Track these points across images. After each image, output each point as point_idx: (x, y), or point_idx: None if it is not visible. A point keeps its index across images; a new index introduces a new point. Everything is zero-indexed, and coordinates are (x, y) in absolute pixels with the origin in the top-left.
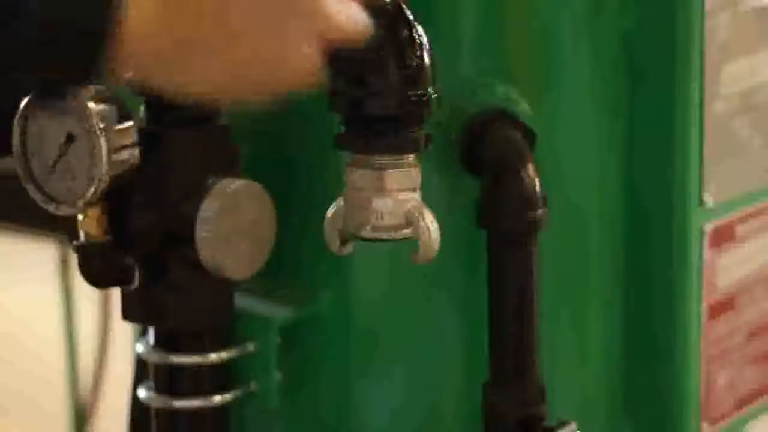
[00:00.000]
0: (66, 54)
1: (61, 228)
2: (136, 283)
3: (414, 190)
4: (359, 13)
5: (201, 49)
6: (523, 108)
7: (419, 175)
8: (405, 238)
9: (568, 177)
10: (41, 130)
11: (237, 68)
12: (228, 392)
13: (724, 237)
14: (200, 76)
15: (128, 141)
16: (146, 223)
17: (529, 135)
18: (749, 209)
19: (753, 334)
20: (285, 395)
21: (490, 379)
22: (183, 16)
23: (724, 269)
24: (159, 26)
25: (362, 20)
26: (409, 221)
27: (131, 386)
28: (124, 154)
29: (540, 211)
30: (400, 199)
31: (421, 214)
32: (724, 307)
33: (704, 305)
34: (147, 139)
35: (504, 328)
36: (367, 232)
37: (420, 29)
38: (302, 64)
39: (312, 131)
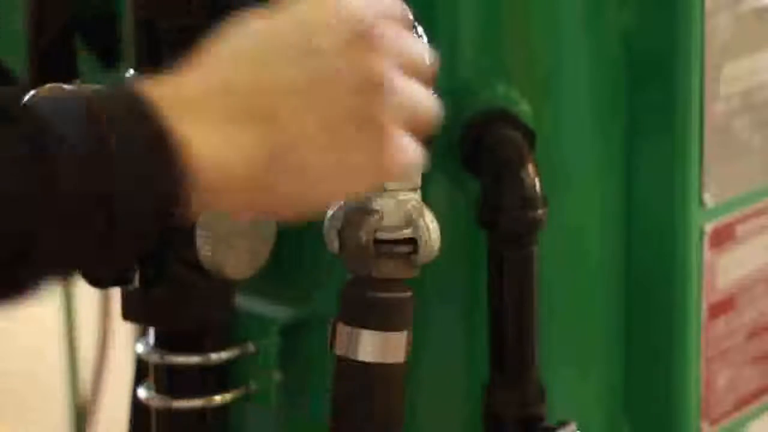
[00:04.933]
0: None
1: None
2: (136, 283)
3: (414, 190)
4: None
5: (288, 196)
6: (523, 108)
7: (419, 175)
8: (405, 238)
9: (568, 177)
10: None
11: (326, 198)
12: (228, 392)
13: (724, 237)
14: (289, 210)
15: None
16: None
17: (529, 135)
18: (749, 209)
19: (753, 334)
20: (285, 395)
21: (490, 380)
22: (266, 177)
23: (724, 269)
24: (242, 184)
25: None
26: (409, 221)
27: (131, 386)
28: None
29: (540, 211)
30: (400, 199)
31: (421, 214)
32: (724, 307)
33: (704, 305)
34: None
35: (504, 328)
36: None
37: (420, 29)
38: (401, 160)
39: None
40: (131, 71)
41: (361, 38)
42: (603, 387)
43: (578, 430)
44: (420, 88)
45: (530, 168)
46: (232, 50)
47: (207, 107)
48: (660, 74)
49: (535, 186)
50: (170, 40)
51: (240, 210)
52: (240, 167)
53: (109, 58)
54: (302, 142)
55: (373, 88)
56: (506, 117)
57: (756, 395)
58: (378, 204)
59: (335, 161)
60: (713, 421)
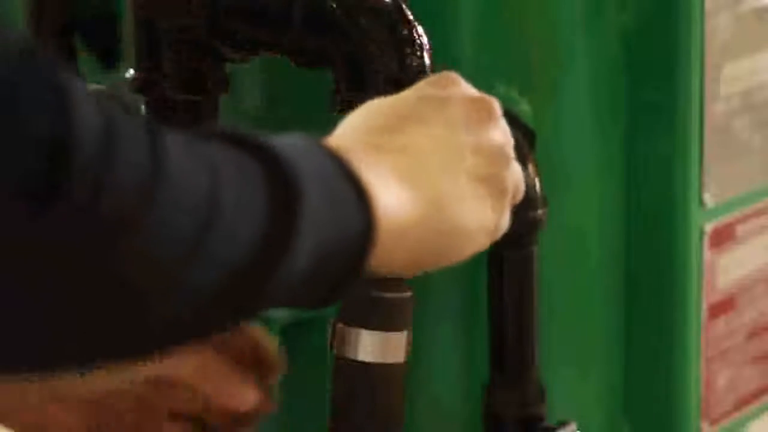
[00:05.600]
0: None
1: None
2: None
3: None
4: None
5: (439, 252)
6: (523, 108)
7: None
8: None
9: (568, 177)
10: None
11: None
12: None
13: (724, 237)
14: (432, 266)
15: None
16: None
17: (529, 135)
18: (749, 209)
19: (753, 334)
20: (285, 395)
21: (490, 380)
22: (427, 235)
23: (724, 269)
24: (409, 242)
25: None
26: None
27: None
28: None
29: (540, 211)
30: None
31: None
32: (724, 307)
33: (704, 305)
34: None
35: (504, 328)
36: None
37: (420, 29)
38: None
39: (312, 132)
40: (131, 71)
41: (484, 110)
42: (603, 387)
43: (578, 430)
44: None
45: (530, 168)
46: (365, 120)
47: (371, 166)
48: (660, 74)
49: (535, 186)
50: (170, 40)
51: (398, 272)
52: (409, 224)
53: (109, 59)
54: (451, 201)
55: (502, 156)
56: (506, 117)
57: (756, 395)
58: None
59: (477, 219)
60: (713, 421)
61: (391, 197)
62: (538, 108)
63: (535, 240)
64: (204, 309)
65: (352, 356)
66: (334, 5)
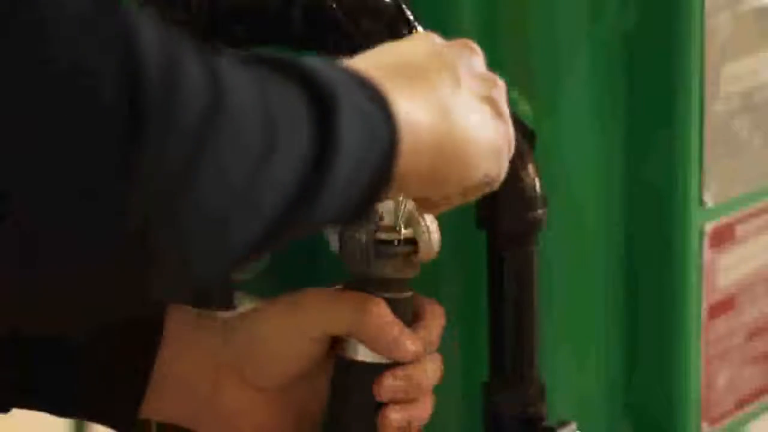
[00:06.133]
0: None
1: None
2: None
3: None
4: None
5: (459, 167)
6: (523, 108)
7: None
8: (405, 239)
9: (568, 177)
10: None
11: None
12: None
13: (724, 237)
14: (457, 186)
15: None
16: None
17: (529, 135)
18: (749, 209)
19: (753, 334)
20: None
21: (490, 379)
22: (444, 145)
23: (724, 269)
24: (427, 151)
25: None
26: (409, 221)
27: None
28: None
29: (540, 211)
30: (400, 200)
31: (421, 214)
32: (724, 307)
33: (704, 305)
34: None
35: (504, 327)
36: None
37: (420, 29)
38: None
39: None
40: None
41: (467, 47)
42: (603, 387)
43: (578, 429)
44: None
45: (530, 168)
46: (363, 59)
47: (383, 81)
48: (660, 74)
49: (535, 186)
50: None
51: (419, 186)
52: (425, 131)
53: None
54: (459, 111)
55: (494, 83)
56: None
57: (756, 395)
58: (378, 204)
59: (484, 135)
60: (713, 421)
61: (406, 107)
62: (538, 108)
63: (535, 240)
64: (272, 227)
65: (352, 356)
66: (334, 5)
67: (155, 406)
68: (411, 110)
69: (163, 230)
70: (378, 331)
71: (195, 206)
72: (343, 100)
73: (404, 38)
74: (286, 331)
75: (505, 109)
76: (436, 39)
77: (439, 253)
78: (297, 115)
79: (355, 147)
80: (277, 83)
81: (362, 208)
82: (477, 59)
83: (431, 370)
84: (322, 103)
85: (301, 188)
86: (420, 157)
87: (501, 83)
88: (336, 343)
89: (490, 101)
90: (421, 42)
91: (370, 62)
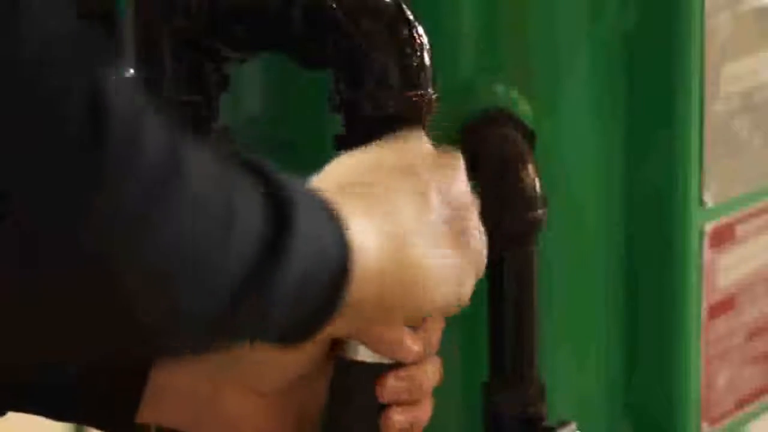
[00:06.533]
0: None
1: None
2: None
3: None
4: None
5: (409, 294)
6: (523, 108)
7: None
8: None
9: (568, 177)
10: None
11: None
12: None
13: (724, 237)
14: (409, 311)
15: None
16: None
17: (529, 135)
18: (749, 209)
19: (753, 334)
20: None
21: (490, 379)
22: (392, 270)
23: (724, 269)
24: (373, 275)
25: None
26: None
27: None
28: None
29: (540, 211)
30: None
31: None
32: (724, 307)
33: (704, 305)
34: None
35: (504, 327)
36: None
37: (420, 29)
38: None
39: (313, 132)
40: (131, 71)
41: (449, 166)
42: (603, 386)
43: (578, 429)
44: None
45: (530, 168)
46: (333, 170)
47: (344, 201)
48: (660, 74)
49: (535, 186)
50: (170, 40)
51: (373, 312)
52: (372, 256)
53: None
54: (417, 239)
55: (467, 209)
56: (506, 117)
57: (756, 395)
58: None
59: (446, 261)
60: (713, 421)
61: (360, 233)
62: (538, 108)
63: (535, 240)
64: (221, 306)
65: (351, 356)
66: (334, 5)
67: (155, 412)
68: (363, 237)
69: (121, 268)
70: (381, 331)
71: (144, 261)
72: (300, 207)
73: (396, 139)
74: None
75: (475, 235)
76: (424, 149)
77: None
78: (254, 205)
79: (302, 261)
80: (238, 173)
81: (307, 329)
82: (458, 181)
83: (431, 372)
84: (280, 215)
85: (252, 269)
86: (366, 284)
87: (474, 207)
88: (335, 345)
89: (458, 229)
90: (405, 155)
91: (337, 178)
